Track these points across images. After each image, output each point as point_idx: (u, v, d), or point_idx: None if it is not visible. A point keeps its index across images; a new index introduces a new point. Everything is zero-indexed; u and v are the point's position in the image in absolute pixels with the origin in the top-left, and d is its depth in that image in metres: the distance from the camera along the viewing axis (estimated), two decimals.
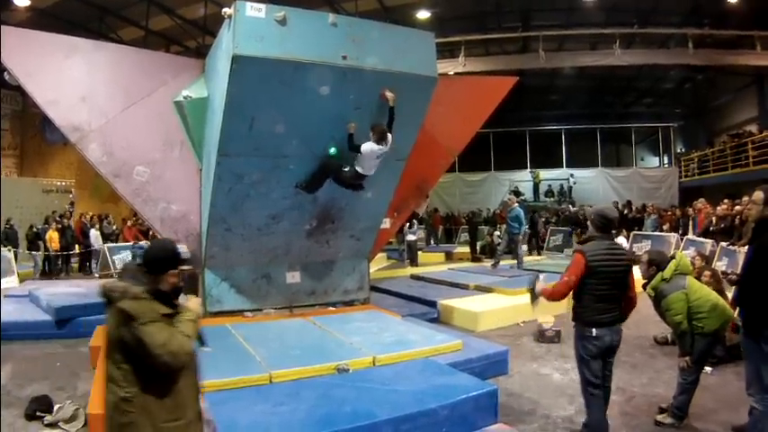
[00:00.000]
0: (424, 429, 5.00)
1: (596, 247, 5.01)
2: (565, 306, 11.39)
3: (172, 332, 3.10)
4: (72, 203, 23.58)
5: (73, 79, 9.32)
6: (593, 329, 4.98)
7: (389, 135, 8.75)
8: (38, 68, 9.08)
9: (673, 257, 6.23)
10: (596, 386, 5.07)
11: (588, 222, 5.47)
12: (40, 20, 18.52)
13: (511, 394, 6.81)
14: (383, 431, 4.77)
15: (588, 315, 5.03)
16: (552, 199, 31.69)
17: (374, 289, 12.32)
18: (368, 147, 8.66)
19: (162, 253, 3.35)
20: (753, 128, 25.13)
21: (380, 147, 8.66)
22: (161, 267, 3.26)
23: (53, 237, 18.73)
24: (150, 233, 19.08)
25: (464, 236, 26.66)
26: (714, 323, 5.96)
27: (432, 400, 5.24)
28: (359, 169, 8.88)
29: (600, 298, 4.99)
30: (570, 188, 31.68)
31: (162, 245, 3.52)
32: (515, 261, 15.96)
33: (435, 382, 5.82)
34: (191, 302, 3.44)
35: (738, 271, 5.96)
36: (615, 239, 6.43)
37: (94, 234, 20.39)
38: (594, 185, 31.71)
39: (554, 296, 5.27)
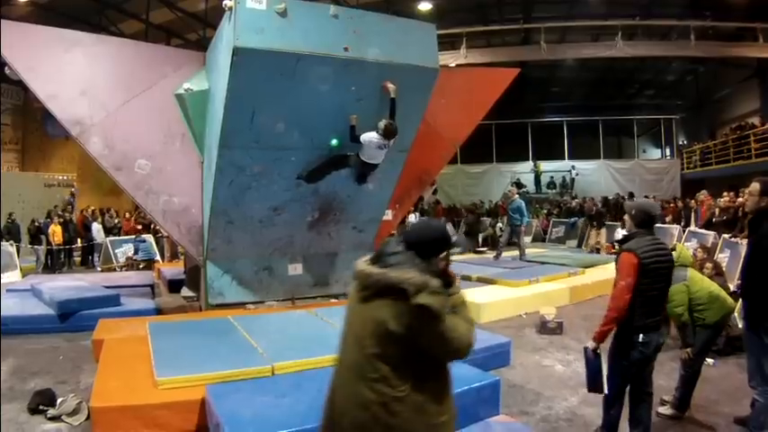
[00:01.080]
0: None
1: (643, 244, 4.64)
2: (567, 298, 11.51)
3: (460, 322, 2.85)
4: (73, 195, 23.61)
5: (73, 73, 9.30)
6: (641, 335, 4.62)
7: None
8: (38, 62, 9.07)
9: (673, 249, 6.20)
10: (623, 392, 4.83)
11: (626, 217, 5.05)
12: (40, 14, 18.51)
13: (513, 386, 6.82)
14: None
15: (636, 319, 4.61)
16: (554, 191, 31.69)
17: None
18: (367, 137, 8.70)
19: (433, 234, 3.02)
20: (755, 120, 25.10)
21: (380, 137, 8.71)
22: (433, 251, 2.96)
23: (56, 231, 18.74)
24: (153, 226, 19.12)
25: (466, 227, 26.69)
26: (715, 315, 5.96)
27: None
28: (363, 157, 8.90)
29: (649, 299, 4.64)
30: (573, 180, 31.65)
31: (432, 226, 3.14)
32: (518, 252, 15.95)
33: None
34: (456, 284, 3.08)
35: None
36: (618, 231, 6.42)
37: (96, 228, 20.45)
38: (596, 177, 31.68)
39: (617, 311, 4.62)
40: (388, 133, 8.69)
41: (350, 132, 8.88)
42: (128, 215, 21.66)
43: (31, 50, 8.99)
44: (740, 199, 14.22)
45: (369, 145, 8.73)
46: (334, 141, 9.21)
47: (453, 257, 3.51)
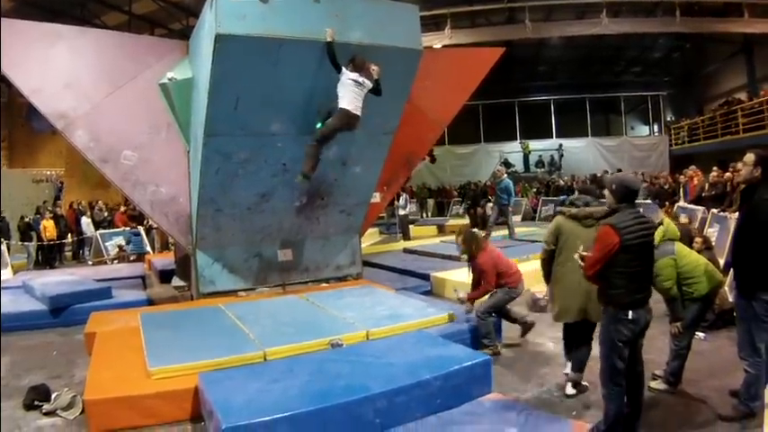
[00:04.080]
0: (418, 401, 5.02)
1: (624, 219, 4.57)
2: None
3: None
4: (60, 189, 23.55)
5: (57, 66, 9.29)
6: (630, 312, 4.55)
7: (375, 67, 8.50)
8: (21, 57, 9.03)
9: (660, 224, 6.21)
10: (622, 375, 4.70)
11: (606, 192, 4.94)
12: (21, 9, 18.36)
13: (504, 364, 6.85)
14: (377, 404, 4.78)
15: (623, 296, 4.58)
16: (543, 170, 31.76)
17: (367, 264, 12.37)
18: (344, 75, 8.38)
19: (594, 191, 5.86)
20: (742, 95, 25.22)
21: (357, 75, 8.37)
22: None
23: (47, 226, 18.62)
24: (147, 222, 19.03)
25: (455, 209, 26.75)
26: (704, 288, 5.96)
27: (425, 372, 5.25)
28: (342, 104, 8.36)
29: (634, 276, 4.58)
30: (561, 158, 31.73)
31: (590, 188, 5.58)
32: (508, 231, 15.99)
33: (429, 354, 5.82)
34: None
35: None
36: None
37: (86, 221, 20.37)
38: (585, 155, 31.82)
39: (587, 276, 4.79)
40: (358, 65, 8.39)
41: (327, 50, 8.36)
42: (123, 208, 21.46)
43: (13, 45, 8.92)
44: (728, 174, 14.26)
45: (344, 82, 8.39)
46: (320, 125, 9.19)
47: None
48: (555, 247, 5.90)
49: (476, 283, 7.61)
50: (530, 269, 10.79)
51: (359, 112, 8.50)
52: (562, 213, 6.01)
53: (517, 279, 7.53)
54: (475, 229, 7.95)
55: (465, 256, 7.76)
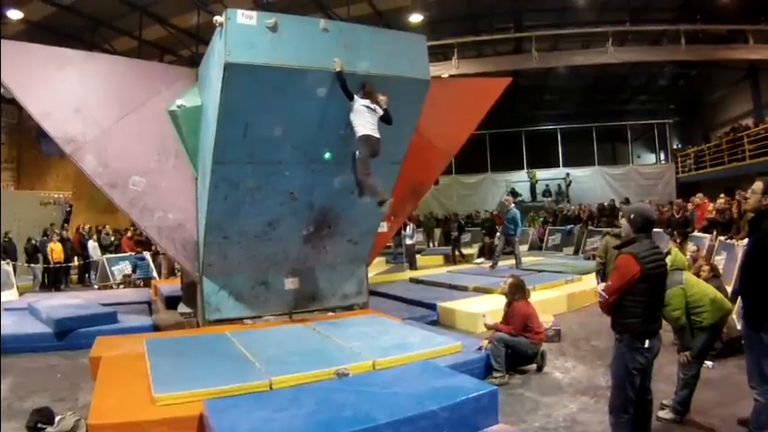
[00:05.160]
0: None
1: (643, 249, 4.63)
2: (564, 305, 11.50)
3: None
4: (68, 213, 23.66)
5: (67, 91, 9.37)
6: (646, 340, 4.62)
7: (383, 97, 8.59)
8: (32, 81, 9.13)
9: (668, 253, 6.20)
10: (632, 404, 4.74)
11: (624, 222, 5.08)
12: (33, 32, 18.54)
13: (511, 394, 6.80)
14: None
15: (639, 325, 4.63)
16: (550, 199, 31.74)
17: (373, 293, 12.33)
18: (356, 101, 8.49)
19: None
20: (748, 121, 25.21)
21: (368, 101, 8.48)
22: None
23: (55, 248, 18.63)
24: (154, 247, 19.03)
25: (463, 238, 26.69)
26: (712, 317, 5.96)
27: (432, 402, 5.21)
28: (360, 132, 8.46)
29: (649, 305, 4.63)
30: (568, 186, 31.73)
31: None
32: (514, 261, 15.96)
33: (435, 384, 5.78)
34: None
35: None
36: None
37: (92, 245, 20.39)
38: (591, 184, 31.80)
39: (603, 306, 4.87)
40: (367, 93, 8.51)
41: (339, 80, 8.42)
42: (130, 233, 21.50)
43: (24, 69, 9.02)
44: (736, 200, 14.24)
45: (358, 108, 8.50)
46: (328, 155, 9.22)
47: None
48: (606, 260, 8.00)
49: (505, 322, 7.89)
50: (537, 299, 10.79)
51: (378, 135, 8.55)
52: (610, 234, 8.41)
53: (538, 341, 7.76)
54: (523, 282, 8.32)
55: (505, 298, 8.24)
